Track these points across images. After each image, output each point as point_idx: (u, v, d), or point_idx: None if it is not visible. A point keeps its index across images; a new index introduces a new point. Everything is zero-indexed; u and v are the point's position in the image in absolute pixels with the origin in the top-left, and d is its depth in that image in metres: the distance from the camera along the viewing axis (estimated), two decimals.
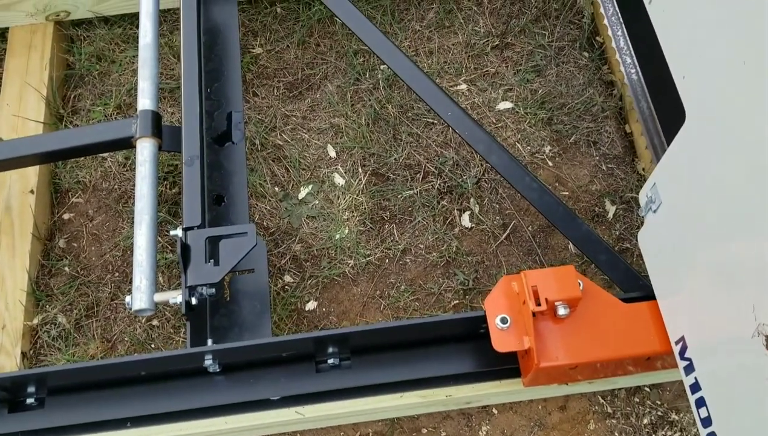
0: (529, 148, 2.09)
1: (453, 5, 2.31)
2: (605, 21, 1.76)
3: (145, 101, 1.79)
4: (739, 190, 1.08)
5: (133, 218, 1.67)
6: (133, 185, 1.71)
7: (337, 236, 1.99)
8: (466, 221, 2.01)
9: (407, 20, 2.31)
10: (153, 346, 1.87)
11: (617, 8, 1.76)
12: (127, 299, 1.56)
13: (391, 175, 2.07)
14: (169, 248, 1.97)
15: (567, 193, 2.03)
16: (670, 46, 1.25)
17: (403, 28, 2.29)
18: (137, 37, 2.03)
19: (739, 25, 1.03)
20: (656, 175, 1.36)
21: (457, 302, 1.90)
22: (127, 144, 1.78)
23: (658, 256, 1.42)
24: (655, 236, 1.41)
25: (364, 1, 2.32)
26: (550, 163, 2.07)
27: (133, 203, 1.68)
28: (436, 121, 2.13)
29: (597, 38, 2.23)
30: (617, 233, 1.96)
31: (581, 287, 1.43)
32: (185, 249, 1.54)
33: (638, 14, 1.34)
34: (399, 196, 2.04)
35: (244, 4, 2.32)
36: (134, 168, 1.74)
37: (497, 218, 2.01)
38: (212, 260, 1.53)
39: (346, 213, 2.02)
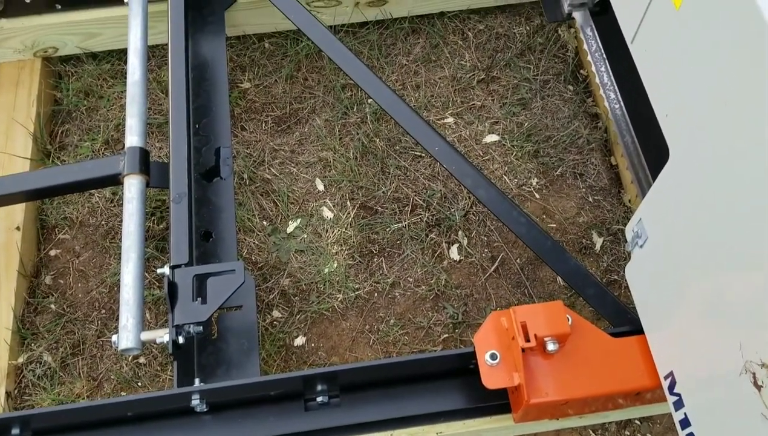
0: (516, 180, 2.11)
1: (439, 40, 2.34)
2: (589, 57, 1.79)
3: (132, 138, 1.79)
4: (723, 228, 1.09)
5: (120, 254, 1.66)
6: (121, 221, 1.71)
7: (326, 270, 1.98)
8: (454, 253, 2.01)
9: (394, 54, 2.33)
10: (140, 384, 1.84)
11: (600, 45, 1.79)
12: (114, 338, 1.55)
13: (380, 209, 2.07)
14: (157, 284, 1.95)
15: (554, 225, 2.04)
16: (652, 84, 1.27)
17: (390, 63, 2.32)
18: (125, 73, 2.04)
19: (719, 67, 1.05)
20: (642, 210, 1.37)
21: (447, 335, 1.90)
22: (114, 181, 1.78)
23: (645, 291, 1.43)
24: (642, 271, 1.42)
25: (352, 36, 2.34)
26: (537, 196, 2.09)
27: (121, 239, 1.67)
28: (423, 154, 2.14)
29: (581, 71, 2.27)
30: (605, 265, 1.97)
31: (570, 323, 1.44)
32: (172, 287, 1.53)
33: (621, 51, 1.36)
34: (387, 230, 2.04)
35: (233, 40, 2.34)
36: (122, 203, 1.73)
37: (486, 250, 2.01)
38: (200, 298, 1.52)
39: (335, 247, 2.02)
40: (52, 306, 1.95)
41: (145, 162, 1.75)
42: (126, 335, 1.53)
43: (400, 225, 2.04)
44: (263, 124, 2.23)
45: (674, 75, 1.19)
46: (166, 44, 1.92)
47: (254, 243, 2.03)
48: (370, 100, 2.23)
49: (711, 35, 1.06)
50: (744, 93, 1.00)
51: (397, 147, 2.17)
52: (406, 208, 2.07)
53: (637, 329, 1.49)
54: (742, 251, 1.05)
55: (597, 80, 1.81)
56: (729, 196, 1.07)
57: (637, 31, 1.28)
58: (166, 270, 1.55)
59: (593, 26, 1.80)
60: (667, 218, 1.28)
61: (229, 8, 2.17)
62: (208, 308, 1.51)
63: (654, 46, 1.25)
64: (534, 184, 2.10)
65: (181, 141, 1.74)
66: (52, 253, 2.04)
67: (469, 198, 2.07)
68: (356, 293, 1.95)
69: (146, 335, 1.54)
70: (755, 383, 1.06)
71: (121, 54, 2.29)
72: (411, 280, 1.98)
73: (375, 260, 2.01)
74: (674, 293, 1.30)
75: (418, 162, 2.15)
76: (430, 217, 2.05)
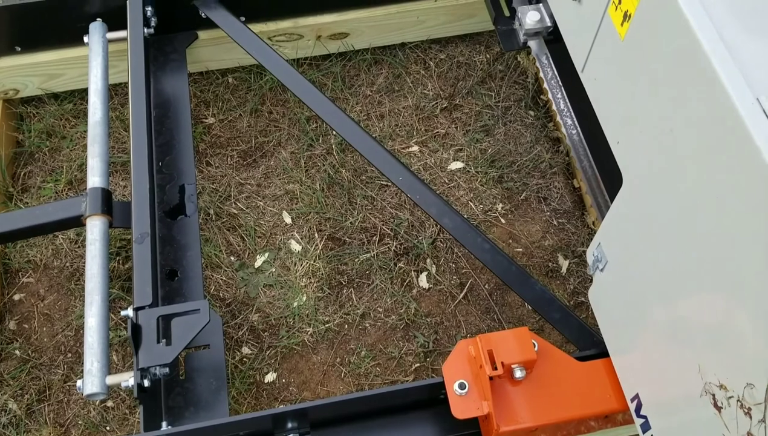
0: (481, 206, 2.13)
1: (401, 70, 2.36)
2: (545, 84, 1.83)
3: (95, 179, 1.78)
4: (676, 252, 1.12)
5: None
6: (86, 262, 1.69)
7: (295, 304, 1.98)
8: (423, 281, 2.02)
9: (358, 85, 2.35)
10: (108, 428, 1.81)
11: (556, 72, 1.83)
12: (79, 383, 1.52)
13: (348, 239, 2.08)
14: (122, 324, 1.93)
15: (521, 249, 2.06)
16: (602, 112, 1.30)
17: (354, 94, 2.34)
18: (88, 112, 2.03)
19: (663, 95, 1.08)
20: (600, 235, 1.39)
21: (419, 364, 1.90)
22: (77, 222, 1.76)
23: (608, 314, 1.45)
24: (604, 295, 1.44)
25: (315, 68, 2.36)
26: (503, 221, 2.11)
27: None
28: (390, 184, 2.16)
29: (541, 97, 2.31)
30: (572, 287, 1.99)
31: (536, 348, 1.45)
32: (136, 329, 1.51)
33: (576, 79, 1.39)
34: (356, 260, 2.04)
35: (196, 75, 2.34)
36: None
37: (454, 277, 2.02)
38: (165, 340, 1.50)
39: (304, 280, 2.02)
40: (17, 352, 1.92)
41: (107, 203, 1.74)
42: (91, 380, 1.51)
43: (368, 255, 2.05)
44: (229, 159, 2.22)
45: (622, 103, 1.21)
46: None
47: (222, 279, 2.01)
48: (335, 132, 2.24)
49: (654, 65, 1.09)
50: (687, 119, 1.03)
51: (364, 177, 2.18)
52: (374, 237, 2.08)
53: (604, 352, 1.50)
54: (696, 274, 1.08)
55: (554, 107, 1.84)
56: (679, 220, 1.09)
57: (586, 61, 1.32)
58: (129, 312, 1.53)
59: (548, 54, 1.84)
60: (623, 243, 1.30)
61: (190, 45, 2.18)
62: (173, 349, 1.49)
63: (602, 76, 1.28)
64: (499, 209, 2.12)
65: (143, 181, 1.73)
66: (16, 297, 2.00)
67: (436, 226, 2.08)
68: (326, 325, 1.94)
69: (111, 379, 1.52)
70: (715, 405, 1.07)
71: (83, 93, 2.28)
72: (381, 310, 1.98)
73: (344, 291, 2.01)
74: (635, 316, 1.31)
75: (385, 191, 2.16)
76: (398, 246, 2.06)
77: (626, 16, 1.14)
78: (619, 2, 1.17)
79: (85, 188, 1.80)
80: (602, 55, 1.26)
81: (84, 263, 1.99)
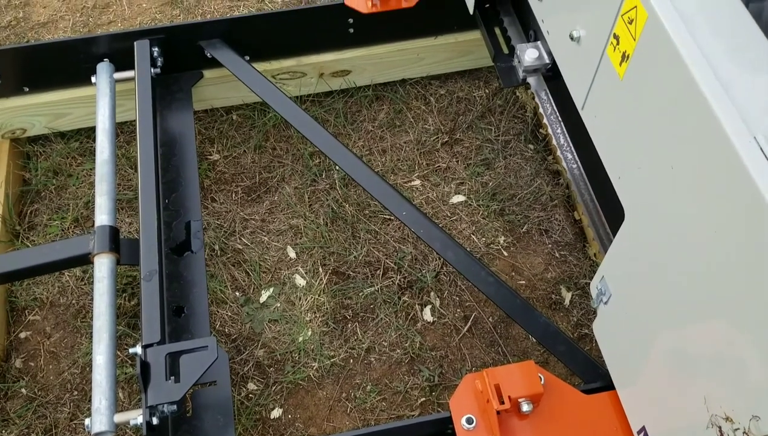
0: (484, 239, 2.15)
1: (402, 106, 2.41)
2: (545, 120, 1.87)
3: (102, 217, 1.81)
4: (679, 284, 1.14)
5: (92, 332, 1.65)
6: (92, 299, 1.71)
7: (300, 339, 1.99)
8: (427, 315, 2.03)
9: (359, 121, 2.39)
10: None
11: (555, 108, 1.87)
12: (87, 421, 1.53)
13: (352, 273, 2.09)
14: (129, 362, 1.93)
15: (524, 281, 2.08)
16: (603, 148, 1.33)
17: (356, 129, 2.37)
18: (94, 150, 2.06)
19: (662, 133, 1.11)
20: (604, 268, 1.41)
21: (424, 399, 1.90)
22: (85, 260, 1.78)
23: (613, 346, 1.46)
24: (609, 327, 1.45)
25: (318, 105, 2.40)
26: (506, 253, 2.13)
27: (92, 318, 1.66)
28: (392, 218, 2.18)
29: (540, 130, 2.35)
30: (575, 320, 2.01)
31: (542, 382, 1.46)
32: (145, 367, 1.52)
33: (576, 114, 1.42)
34: (360, 294, 2.06)
35: (201, 113, 2.38)
36: (92, 281, 1.73)
37: (458, 310, 2.04)
38: (173, 377, 1.51)
39: (309, 314, 2.03)
40: (23, 390, 1.92)
41: (115, 240, 1.76)
42: (99, 418, 1.51)
43: (372, 289, 2.06)
44: (233, 195, 2.25)
45: (623, 140, 1.24)
46: (135, 120, 1.96)
47: (227, 315, 2.02)
48: (338, 166, 2.27)
49: (653, 104, 1.12)
50: (686, 156, 1.06)
51: (367, 211, 2.20)
52: (378, 271, 2.09)
53: (609, 385, 1.51)
54: (699, 307, 1.09)
55: (554, 142, 1.88)
56: (681, 254, 1.11)
57: (586, 98, 1.35)
58: (138, 350, 1.54)
59: (547, 90, 1.87)
60: (627, 276, 1.32)
61: (196, 84, 2.22)
62: (181, 386, 1.50)
63: (602, 113, 1.31)
64: (501, 242, 2.14)
65: (151, 219, 1.76)
66: (22, 335, 2.01)
67: (439, 259, 2.10)
68: (331, 360, 1.95)
69: (120, 417, 1.52)
70: None
71: (90, 132, 2.32)
72: (386, 344, 1.98)
73: (349, 325, 2.02)
74: (640, 349, 1.33)
75: (388, 225, 2.18)
76: (402, 279, 2.07)
77: (624, 57, 1.18)
78: (618, 43, 1.20)
79: (92, 226, 1.82)
80: (602, 93, 1.29)
81: (90, 300, 2.01)
